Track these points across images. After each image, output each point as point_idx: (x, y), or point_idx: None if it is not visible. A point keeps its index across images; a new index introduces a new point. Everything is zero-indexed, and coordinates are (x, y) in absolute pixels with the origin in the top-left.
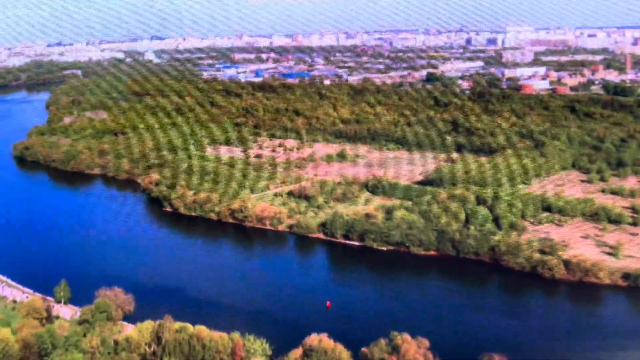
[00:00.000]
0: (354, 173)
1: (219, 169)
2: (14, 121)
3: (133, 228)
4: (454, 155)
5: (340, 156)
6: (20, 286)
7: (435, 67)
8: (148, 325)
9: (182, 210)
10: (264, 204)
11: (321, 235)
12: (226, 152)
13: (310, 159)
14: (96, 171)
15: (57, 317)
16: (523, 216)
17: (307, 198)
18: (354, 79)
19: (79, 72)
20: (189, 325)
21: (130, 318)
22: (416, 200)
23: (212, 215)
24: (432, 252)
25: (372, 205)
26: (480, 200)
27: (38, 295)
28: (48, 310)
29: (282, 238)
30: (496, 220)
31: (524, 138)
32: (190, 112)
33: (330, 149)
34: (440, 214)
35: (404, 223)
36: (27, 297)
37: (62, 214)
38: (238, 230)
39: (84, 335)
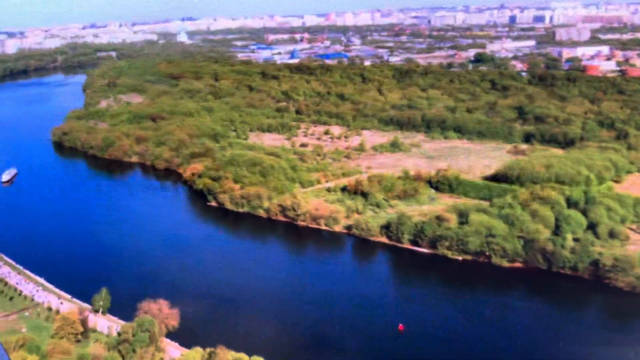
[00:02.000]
0: (411, 165)
1: (266, 159)
2: (52, 105)
3: (176, 225)
4: (524, 146)
5: (394, 146)
6: (55, 289)
7: (483, 46)
8: (196, 353)
9: (228, 205)
10: (317, 201)
11: (384, 239)
12: (269, 139)
13: (361, 148)
14: (134, 159)
15: (94, 331)
16: (623, 222)
17: (364, 194)
18: (395, 59)
19: (114, 54)
20: (244, 358)
21: (173, 335)
22: (495, 202)
23: (261, 212)
24: (518, 264)
25: (439, 205)
26: (570, 203)
27: (75, 302)
28: (84, 322)
29: (338, 240)
30: (591, 227)
31: (603, 127)
32: (228, 96)
33: (380, 137)
34: (525, 218)
35: (483, 229)
36: (62, 303)
37: (102, 208)
38: (290, 230)
39: (123, 358)
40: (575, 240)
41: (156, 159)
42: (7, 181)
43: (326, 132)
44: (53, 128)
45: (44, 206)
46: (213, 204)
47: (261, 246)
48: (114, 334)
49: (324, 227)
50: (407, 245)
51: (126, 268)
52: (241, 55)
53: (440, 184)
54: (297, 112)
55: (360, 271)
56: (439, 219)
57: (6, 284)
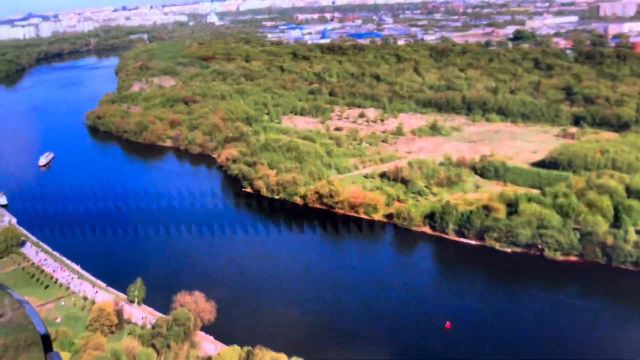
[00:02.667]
0: (453, 150)
1: (301, 144)
2: (85, 88)
3: (211, 211)
4: (573, 129)
5: (434, 129)
6: (90, 277)
7: (522, 23)
8: (233, 352)
9: (263, 192)
10: (356, 189)
11: (427, 229)
12: (302, 123)
13: (399, 132)
14: (168, 143)
15: (129, 322)
16: None
17: (405, 181)
18: (430, 38)
19: (145, 36)
20: (283, 358)
21: (209, 329)
22: (547, 190)
23: (297, 199)
24: (573, 258)
25: (485, 193)
26: (630, 192)
27: (109, 291)
28: (119, 313)
29: (378, 230)
30: None
31: None
32: (260, 78)
33: (419, 120)
34: (581, 208)
35: (534, 219)
36: (97, 292)
37: (136, 194)
38: (327, 218)
39: (157, 353)
40: (638, 233)
41: (190, 143)
42: (44, 165)
43: (361, 115)
44: (87, 112)
45: (80, 191)
46: (248, 190)
47: (298, 235)
48: (149, 325)
49: (362, 215)
50: (452, 236)
51: (161, 255)
52: (271, 36)
53: (485, 170)
54: (331, 94)
55: (402, 263)
56: (487, 208)
57: (42, 271)
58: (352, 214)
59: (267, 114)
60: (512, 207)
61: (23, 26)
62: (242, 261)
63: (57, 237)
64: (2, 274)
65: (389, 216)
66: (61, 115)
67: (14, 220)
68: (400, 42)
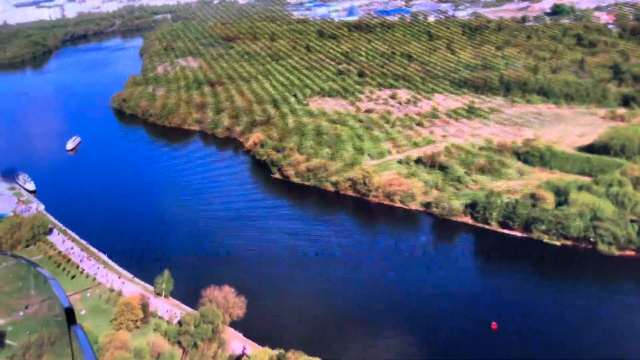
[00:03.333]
0: (492, 134)
1: (331, 128)
2: (111, 70)
3: (239, 198)
4: (621, 110)
5: (470, 111)
6: (117, 267)
7: None
8: (264, 354)
9: (293, 178)
10: (391, 176)
11: (468, 219)
12: (331, 105)
13: (434, 114)
14: (194, 127)
15: (154, 316)
16: None
17: (442, 168)
18: (462, 14)
19: (169, 16)
20: None
21: (238, 324)
22: (600, 178)
23: (329, 186)
24: (630, 253)
25: (530, 180)
26: None
27: (136, 282)
28: (145, 307)
29: (415, 219)
30: None
31: None
32: (287, 58)
33: (454, 101)
34: (639, 198)
35: (586, 210)
36: (124, 283)
37: (163, 179)
38: (360, 207)
39: (183, 351)
40: None
41: (216, 127)
42: (72, 149)
43: (393, 97)
44: (113, 95)
45: (107, 176)
46: (277, 176)
47: (330, 223)
48: (175, 320)
49: (398, 204)
50: (495, 227)
51: (189, 244)
52: (297, 14)
53: (530, 156)
54: (360, 74)
55: (442, 256)
56: (534, 197)
57: (69, 260)
58: (387, 202)
59: (294, 95)
60: (561, 196)
61: (48, 7)
62: (271, 251)
63: (84, 224)
64: (37, 260)
65: (427, 205)
66: (87, 98)
67: (41, 207)
68: (431, 19)
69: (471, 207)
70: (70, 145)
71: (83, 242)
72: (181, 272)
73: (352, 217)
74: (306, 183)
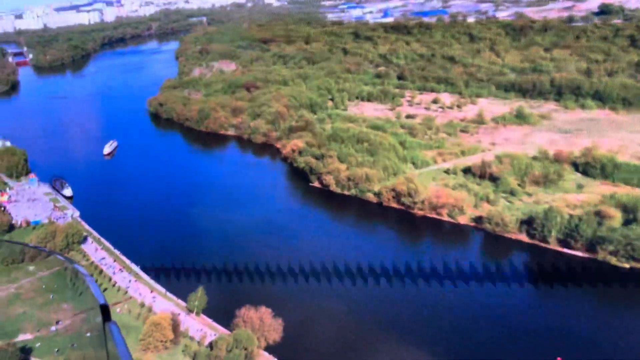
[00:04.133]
0: (545, 142)
1: (372, 135)
2: (147, 73)
3: (277, 208)
4: None
5: (520, 117)
6: (149, 280)
7: None
8: None
9: (333, 187)
10: (437, 187)
11: (523, 237)
12: (370, 109)
13: (480, 120)
14: (230, 132)
15: (185, 336)
16: None
17: (493, 179)
18: (503, 15)
19: (204, 19)
20: None
21: (273, 349)
22: None
23: (371, 197)
24: None
25: (591, 194)
26: None
27: (169, 297)
28: (175, 326)
29: (464, 235)
30: None
31: None
32: (322, 61)
33: (500, 106)
34: None
35: None
36: (155, 298)
37: (200, 186)
38: (404, 220)
39: None
40: None
41: (253, 132)
42: (108, 154)
43: (435, 101)
44: (149, 98)
45: (142, 182)
46: (316, 184)
47: (373, 238)
48: (207, 341)
49: (445, 218)
50: (554, 245)
51: (225, 257)
52: (331, 16)
53: (589, 167)
54: (399, 77)
55: (496, 277)
56: (599, 214)
57: (101, 272)
58: (434, 215)
59: (332, 100)
60: (629, 213)
61: (88, 11)
62: (311, 266)
63: (118, 232)
64: (55, 272)
65: (478, 220)
66: (124, 101)
67: (77, 214)
68: (471, 20)
69: (527, 223)
70: (107, 149)
71: (116, 252)
72: (215, 287)
73: (396, 231)
74: (346, 193)
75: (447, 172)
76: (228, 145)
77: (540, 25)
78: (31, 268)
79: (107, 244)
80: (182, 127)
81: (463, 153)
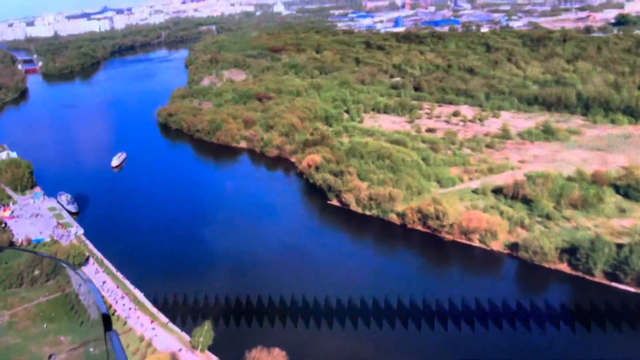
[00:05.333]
0: (577, 160)
1: (393, 150)
2: (157, 81)
3: (294, 228)
4: None
5: (547, 132)
6: (152, 308)
7: (621, 6)
8: None
9: (352, 206)
10: (466, 208)
11: (564, 267)
12: (387, 122)
13: (505, 135)
14: (242, 144)
15: None
16: None
17: (527, 200)
18: (517, 24)
19: (214, 27)
20: None
21: None
22: None
23: (394, 218)
24: None
25: (637, 219)
26: None
27: (171, 329)
28: None
29: (498, 263)
30: None
31: None
32: (335, 70)
33: (525, 120)
34: None
35: None
36: (155, 329)
37: (210, 203)
38: (431, 244)
39: None
40: None
41: (266, 145)
42: (117, 166)
43: (455, 114)
44: (158, 108)
45: (151, 198)
46: (334, 202)
47: (396, 265)
48: None
49: (476, 244)
50: (600, 279)
51: (237, 284)
52: (341, 25)
53: (632, 190)
54: (416, 88)
55: (536, 314)
56: None
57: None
58: (464, 240)
59: (347, 111)
60: None
61: (98, 19)
62: (330, 298)
63: (124, 252)
64: (53, 299)
65: (513, 247)
66: (133, 111)
67: (80, 231)
68: (484, 30)
69: (569, 252)
70: (115, 162)
71: (119, 275)
72: (223, 320)
73: (423, 257)
74: (367, 213)
75: (475, 192)
76: (240, 159)
77: (559, 35)
78: (28, 293)
79: (110, 266)
80: (192, 139)
81: (491, 171)
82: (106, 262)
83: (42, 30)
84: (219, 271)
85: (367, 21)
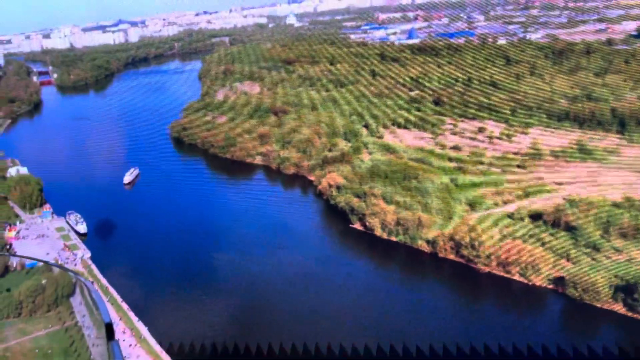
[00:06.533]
0: (619, 182)
1: (419, 170)
2: (170, 94)
3: (314, 254)
4: None
5: (583, 151)
6: (155, 345)
7: (639, 18)
8: None
9: (378, 231)
10: (502, 236)
11: (619, 307)
12: (409, 138)
13: (537, 154)
14: (258, 160)
15: None
16: None
17: (569, 228)
18: (536, 36)
19: (226, 39)
20: None
21: None
22: None
23: (423, 245)
24: None
25: None
26: None
27: None
28: None
29: (541, 300)
30: None
31: None
32: (351, 83)
33: (555, 137)
34: None
35: None
36: None
37: (226, 224)
38: (464, 276)
39: None
40: None
41: (283, 162)
42: (129, 183)
43: (481, 130)
44: (172, 122)
45: (163, 218)
46: (357, 226)
47: (427, 299)
48: None
49: (516, 277)
50: None
51: (252, 323)
52: (354, 37)
53: None
54: (436, 102)
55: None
56: None
57: None
58: (502, 273)
59: (365, 126)
60: None
61: (113, 32)
62: (352, 334)
63: (130, 279)
64: (52, 332)
65: (558, 282)
66: (146, 124)
67: (87, 255)
68: (502, 42)
69: (624, 290)
70: (127, 178)
71: (124, 306)
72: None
73: (456, 291)
74: (393, 239)
75: (511, 217)
76: (255, 175)
77: (582, 48)
78: (26, 325)
79: (115, 294)
80: (206, 154)
81: (526, 194)
82: (111, 289)
83: (57, 42)
84: (233, 306)
85: (380, 33)
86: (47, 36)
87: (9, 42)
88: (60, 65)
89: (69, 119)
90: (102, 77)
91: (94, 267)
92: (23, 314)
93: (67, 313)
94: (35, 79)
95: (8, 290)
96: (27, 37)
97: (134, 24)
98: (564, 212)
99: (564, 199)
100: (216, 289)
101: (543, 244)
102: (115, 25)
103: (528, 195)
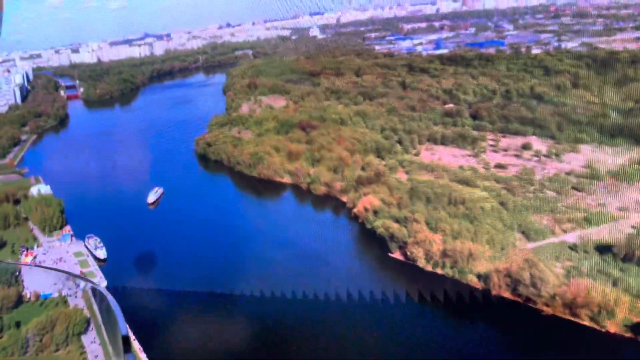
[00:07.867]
0: None
1: (465, 193)
2: (195, 107)
3: (350, 286)
4: None
5: None
6: None
7: None
8: None
9: (421, 262)
10: (576, 279)
11: None
12: (447, 155)
13: (593, 174)
14: (286, 179)
15: None
16: None
17: None
18: (572, 45)
19: (250, 52)
20: None
21: None
22: None
23: (473, 280)
24: None
25: None
26: None
27: None
28: None
29: (618, 352)
30: None
31: None
32: (380, 96)
33: (609, 155)
34: None
35: None
36: None
37: (254, 250)
38: (525, 319)
39: None
40: None
41: (313, 182)
42: (153, 203)
43: (525, 147)
44: (197, 138)
45: (187, 242)
46: (397, 255)
47: (483, 347)
48: None
49: (586, 322)
50: None
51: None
52: (379, 48)
53: None
54: (473, 116)
55: None
56: None
57: None
58: (567, 316)
59: (399, 142)
60: None
61: (139, 45)
62: None
63: (148, 314)
64: None
65: (637, 328)
66: (170, 139)
67: (103, 284)
68: (536, 51)
69: None
70: (151, 198)
71: (136, 344)
72: None
73: (516, 337)
74: (439, 271)
75: (573, 248)
76: (284, 195)
77: (627, 56)
78: None
79: (130, 334)
80: (232, 171)
81: (587, 221)
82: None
83: (85, 56)
84: (257, 345)
85: (406, 44)
86: (75, 51)
87: (38, 56)
88: (87, 79)
89: (93, 134)
90: (128, 90)
91: (110, 297)
92: (29, 353)
93: (78, 353)
94: (62, 93)
95: (18, 324)
96: (57, 52)
97: (159, 37)
98: (636, 243)
99: (633, 227)
100: (240, 322)
101: (615, 282)
102: (142, 39)
103: (590, 223)
